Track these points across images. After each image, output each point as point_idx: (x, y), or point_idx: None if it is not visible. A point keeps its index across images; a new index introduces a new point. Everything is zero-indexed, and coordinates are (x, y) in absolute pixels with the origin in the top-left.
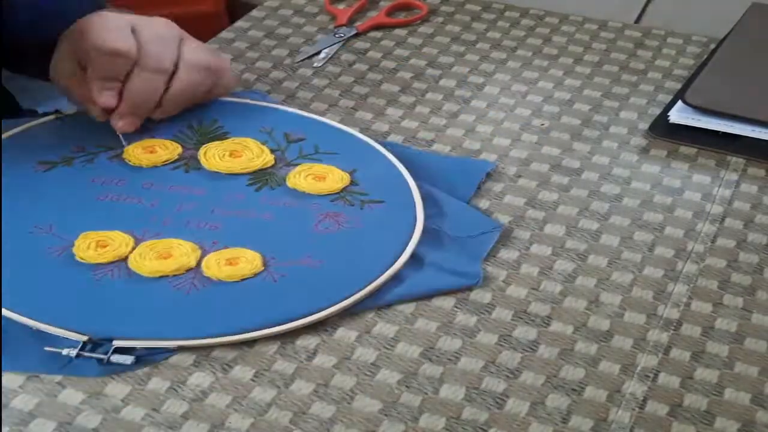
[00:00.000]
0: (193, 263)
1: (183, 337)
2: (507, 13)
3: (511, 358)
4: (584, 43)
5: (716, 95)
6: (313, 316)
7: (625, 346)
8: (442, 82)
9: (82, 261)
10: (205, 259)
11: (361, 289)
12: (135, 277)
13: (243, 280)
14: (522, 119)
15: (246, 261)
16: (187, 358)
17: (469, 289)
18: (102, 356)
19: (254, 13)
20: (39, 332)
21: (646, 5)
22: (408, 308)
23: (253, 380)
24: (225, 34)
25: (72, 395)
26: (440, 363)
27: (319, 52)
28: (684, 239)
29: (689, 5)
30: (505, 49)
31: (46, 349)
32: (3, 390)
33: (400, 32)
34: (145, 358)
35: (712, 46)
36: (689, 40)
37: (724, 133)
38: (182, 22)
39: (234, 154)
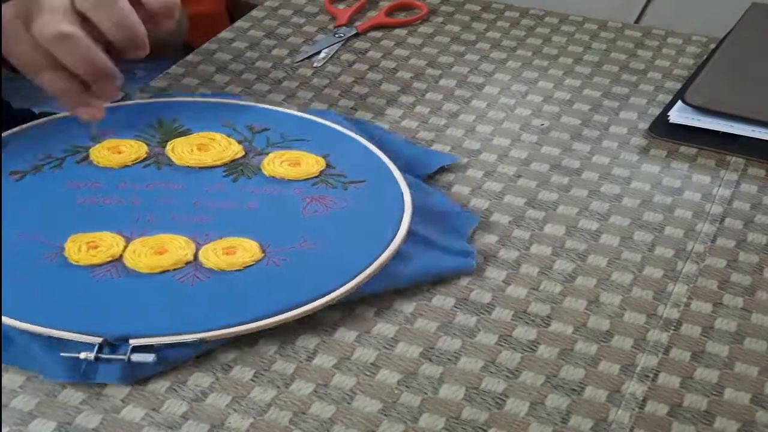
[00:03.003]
0: (190, 256)
1: (200, 330)
2: (507, 13)
3: (510, 358)
4: (584, 43)
5: (716, 95)
6: (329, 295)
7: (625, 346)
8: (442, 82)
9: (76, 264)
10: (202, 250)
11: (367, 267)
12: (134, 275)
13: (245, 267)
14: (522, 119)
15: (244, 249)
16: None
17: (466, 275)
18: (122, 357)
19: (254, 13)
20: (47, 339)
21: (646, 5)
22: (408, 308)
23: (252, 380)
24: (225, 34)
25: (72, 395)
26: (440, 363)
27: (319, 52)
28: (684, 239)
29: (689, 5)
30: (505, 49)
31: (63, 355)
32: (3, 390)
33: (400, 32)
34: (165, 356)
35: (712, 46)
36: (689, 40)
37: (724, 133)
38: None
39: (202, 148)
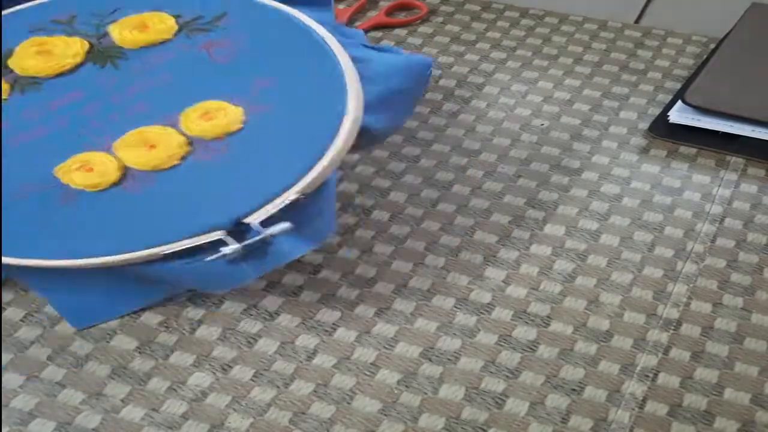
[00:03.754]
0: (181, 137)
1: (289, 186)
2: (507, 13)
3: (510, 358)
4: (584, 43)
5: (716, 95)
6: (350, 114)
7: (624, 346)
8: (442, 82)
9: (97, 189)
10: (183, 126)
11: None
12: (161, 174)
13: (245, 125)
14: (522, 119)
15: (218, 110)
16: (187, 358)
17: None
18: (263, 236)
19: None
20: (168, 260)
21: (646, 5)
22: (408, 308)
23: (252, 380)
24: None
25: (72, 395)
26: (440, 363)
27: None
28: (684, 239)
29: (689, 5)
30: (505, 49)
31: (208, 260)
32: (3, 390)
33: (400, 32)
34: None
35: (712, 46)
36: (689, 40)
37: (724, 133)
38: None
39: (45, 54)
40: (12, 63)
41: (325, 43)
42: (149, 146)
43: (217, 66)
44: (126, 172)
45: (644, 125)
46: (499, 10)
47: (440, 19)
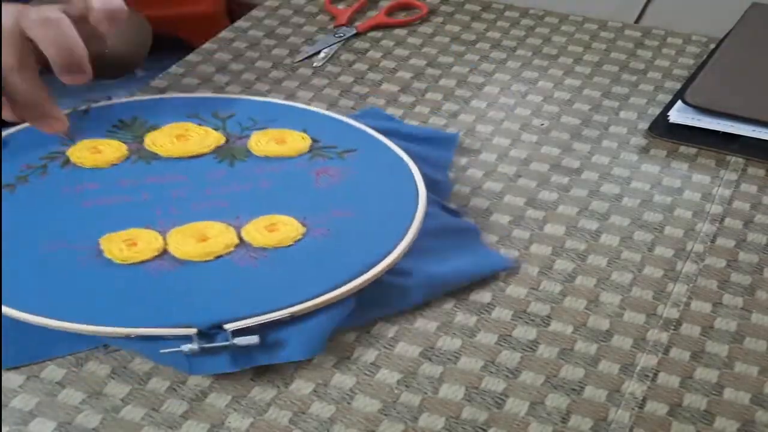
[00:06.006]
0: (235, 239)
1: (284, 306)
2: (507, 13)
3: (510, 357)
4: (584, 43)
5: (716, 95)
6: (386, 260)
7: (624, 345)
8: (442, 82)
9: (124, 263)
10: (244, 231)
11: (410, 225)
12: (189, 264)
13: (296, 242)
14: (522, 119)
15: (284, 224)
16: None
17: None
18: (225, 343)
19: (254, 13)
20: (138, 339)
21: (646, 5)
22: (407, 308)
23: (252, 380)
24: (225, 34)
25: (72, 395)
26: (440, 363)
27: (318, 52)
28: (684, 239)
29: (689, 5)
30: (505, 49)
31: (163, 351)
32: (3, 390)
33: (400, 32)
34: (264, 338)
35: (712, 46)
36: (689, 40)
37: (724, 133)
38: (182, 22)
39: (181, 139)
40: (148, 138)
41: (418, 198)
42: (202, 239)
43: (311, 188)
44: (163, 253)
45: (644, 125)
46: (499, 10)
47: (440, 19)
